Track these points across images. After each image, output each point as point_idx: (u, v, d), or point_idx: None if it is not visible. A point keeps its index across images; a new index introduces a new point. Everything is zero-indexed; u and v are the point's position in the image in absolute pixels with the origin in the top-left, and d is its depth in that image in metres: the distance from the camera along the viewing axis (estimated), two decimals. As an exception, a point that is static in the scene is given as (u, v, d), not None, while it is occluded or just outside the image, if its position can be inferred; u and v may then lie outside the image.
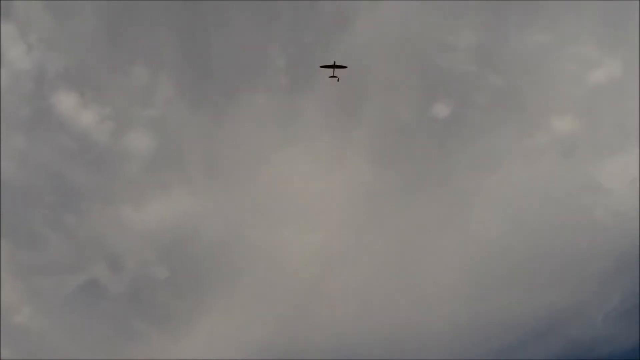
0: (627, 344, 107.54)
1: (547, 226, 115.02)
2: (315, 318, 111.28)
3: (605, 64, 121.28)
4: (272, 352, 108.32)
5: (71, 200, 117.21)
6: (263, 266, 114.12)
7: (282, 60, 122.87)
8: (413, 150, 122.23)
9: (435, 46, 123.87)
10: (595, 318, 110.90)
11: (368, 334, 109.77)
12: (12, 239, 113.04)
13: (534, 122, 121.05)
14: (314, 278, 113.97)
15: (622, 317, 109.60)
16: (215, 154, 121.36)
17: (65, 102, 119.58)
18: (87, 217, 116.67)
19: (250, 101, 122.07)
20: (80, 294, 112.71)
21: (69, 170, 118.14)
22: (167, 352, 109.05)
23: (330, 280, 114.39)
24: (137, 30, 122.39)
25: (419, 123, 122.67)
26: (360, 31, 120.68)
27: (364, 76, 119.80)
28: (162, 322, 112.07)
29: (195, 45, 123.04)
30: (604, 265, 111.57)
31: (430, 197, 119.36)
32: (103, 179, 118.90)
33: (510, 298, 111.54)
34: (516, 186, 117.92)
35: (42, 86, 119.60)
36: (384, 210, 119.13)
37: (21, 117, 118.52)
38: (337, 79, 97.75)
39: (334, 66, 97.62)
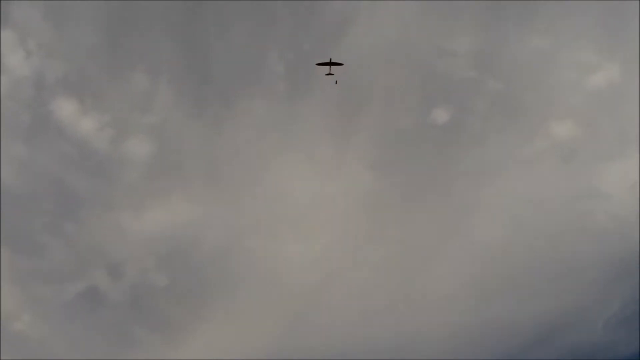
0: (628, 350, 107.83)
1: (548, 232, 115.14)
2: (315, 325, 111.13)
3: (604, 68, 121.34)
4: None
5: (71, 207, 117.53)
6: (262, 273, 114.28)
7: (281, 67, 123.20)
8: (412, 156, 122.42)
9: (434, 52, 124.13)
10: (596, 324, 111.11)
11: (368, 341, 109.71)
12: (12, 246, 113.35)
13: (534, 128, 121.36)
14: (314, 285, 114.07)
15: (623, 323, 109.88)
16: (214, 161, 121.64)
17: (65, 109, 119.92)
18: (87, 224, 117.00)
19: (249, 107, 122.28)
20: (79, 301, 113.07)
21: (68, 177, 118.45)
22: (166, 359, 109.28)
23: (330, 288, 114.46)
24: (136, 37, 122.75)
25: (418, 129, 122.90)
26: (359, 37, 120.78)
27: (363, 82, 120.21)
28: (162, 329, 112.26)
29: (194, 52, 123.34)
30: (605, 272, 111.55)
31: (431, 203, 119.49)
32: (102, 186, 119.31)
33: (511, 304, 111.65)
34: (516, 192, 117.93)
35: (41, 93, 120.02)
36: (384, 216, 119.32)
37: (21, 123, 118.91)
38: (334, 79, 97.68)
39: (330, 63, 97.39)
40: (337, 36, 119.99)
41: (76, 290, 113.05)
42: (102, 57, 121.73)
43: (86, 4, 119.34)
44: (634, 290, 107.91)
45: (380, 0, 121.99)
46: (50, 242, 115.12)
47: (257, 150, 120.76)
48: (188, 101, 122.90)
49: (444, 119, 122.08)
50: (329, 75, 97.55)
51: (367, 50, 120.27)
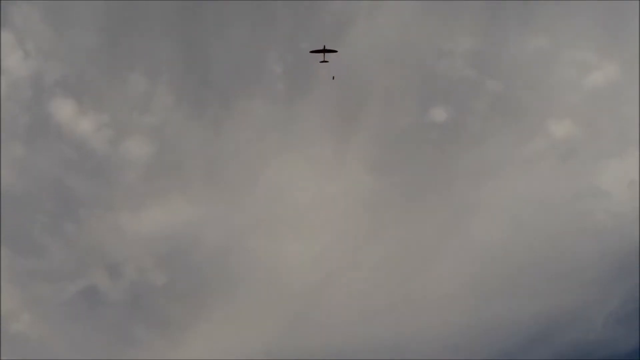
0: (627, 347, 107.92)
1: (547, 231, 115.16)
2: (315, 325, 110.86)
3: (603, 67, 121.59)
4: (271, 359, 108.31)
5: (70, 207, 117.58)
6: (262, 273, 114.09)
7: (280, 67, 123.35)
8: (412, 156, 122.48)
9: (434, 52, 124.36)
10: (596, 321, 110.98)
11: (368, 341, 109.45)
12: (12, 246, 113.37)
13: (533, 127, 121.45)
14: (314, 285, 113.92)
15: (622, 320, 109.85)
16: (214, 161, 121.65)
17: (64, 110, 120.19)
18: (86, 225, 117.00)
19: (248, 108, 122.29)
20: (79, 301, 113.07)
21: (67, 177, 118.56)
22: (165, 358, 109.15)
23: (330, 288, 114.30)
24: (135, 38, 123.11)
25: (418, 129, 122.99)
26: (359, 37, 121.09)
27: (363, 82, 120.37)
28: (161, 328, 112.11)
29: (194, 52, 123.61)
30: (604, 269, 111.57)
31: (431, 203, 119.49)
32: (102, 186, 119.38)
33: (511, 302, 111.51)
34: (516, 191, 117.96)
35: (40, 94, 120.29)
36: (384, 216, 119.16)
37: (20, 124, 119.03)
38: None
39: (324, 50, 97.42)
40: (337, 36, 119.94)
41: (76, 290, 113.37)
42: (100, 58, 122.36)
43: (85, 5, 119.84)
44: (633, 288, 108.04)
45: (380, 0, 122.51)
46: (50, 242, 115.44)
47: (257, 151, 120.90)
48: (187, 101, 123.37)
49: (443, 119, 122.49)
50: (324, 62, 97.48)
51: (366, 50, 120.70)
